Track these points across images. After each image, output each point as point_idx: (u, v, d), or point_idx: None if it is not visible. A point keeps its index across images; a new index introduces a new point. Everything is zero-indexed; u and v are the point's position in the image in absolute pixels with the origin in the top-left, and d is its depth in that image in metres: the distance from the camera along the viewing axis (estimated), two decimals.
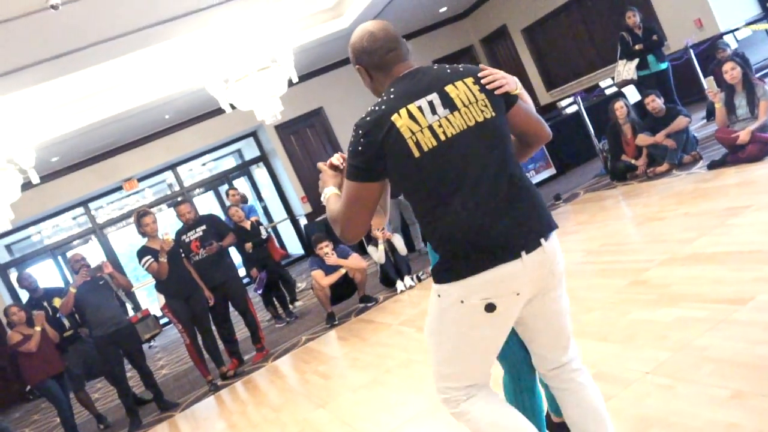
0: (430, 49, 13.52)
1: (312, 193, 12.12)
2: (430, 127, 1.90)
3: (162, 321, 8.68)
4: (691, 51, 8.60)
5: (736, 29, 8.64)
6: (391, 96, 1.95)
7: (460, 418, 2.05)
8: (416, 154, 1.89)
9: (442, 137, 1.90)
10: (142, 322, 6.22)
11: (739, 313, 2.93)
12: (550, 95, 12.90)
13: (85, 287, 5.63)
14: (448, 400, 2.06)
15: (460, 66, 2.04)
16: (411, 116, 1.90)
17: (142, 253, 5.74)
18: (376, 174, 1.94)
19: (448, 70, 2.01)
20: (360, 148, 1.93)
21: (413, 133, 1.89)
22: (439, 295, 1.97)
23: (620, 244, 4.74)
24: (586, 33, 11.64)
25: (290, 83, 6.42)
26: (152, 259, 5.66)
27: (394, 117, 1.90)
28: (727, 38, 8.33)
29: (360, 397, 4.05)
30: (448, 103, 1.93)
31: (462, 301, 1.91)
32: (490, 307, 1.91)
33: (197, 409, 5.58)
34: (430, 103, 1.92)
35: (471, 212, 1.88)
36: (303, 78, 10.23)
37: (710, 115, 8.01)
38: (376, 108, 1.94)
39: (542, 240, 1.97)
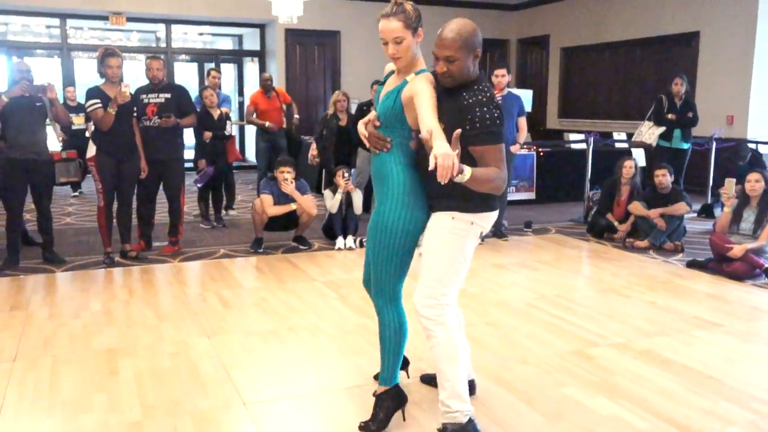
0: None
1: None
2: None
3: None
4: (714, 144, 8.34)
5: (764, 142, 8.40)
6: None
7: (441, 325, 2.49)
8: None
9: None
10: (63, 163, 5.59)
11: None
12: (560, 123, 12.54)
13: (18, 102, 5.00)
14: (439, 306, 2.50)
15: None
16: None
17: (93, 94, 5.14)
18: None
19: None
20: (503, 120, 2.42)
21: None
22: (453, 218, 2.48)
23: (576, 304, 4.41)
24: (621, 80, 11.27)
25: None
26: (100, 105, 5.06)
27: None
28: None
29: (251, 344, 3.63)
30: None
31: (472, 223, 2.50)
32: (481, 235, 2.60)
33: (81, 276, 5.08)
34: None
35: None
36: None
37: (704, 212, 7.79)
38: (495, 95, 2.49)
39: None
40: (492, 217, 2.56)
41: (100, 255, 5.52)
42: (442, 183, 2.08)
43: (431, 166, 2.06)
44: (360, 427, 2.67)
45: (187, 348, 3.58)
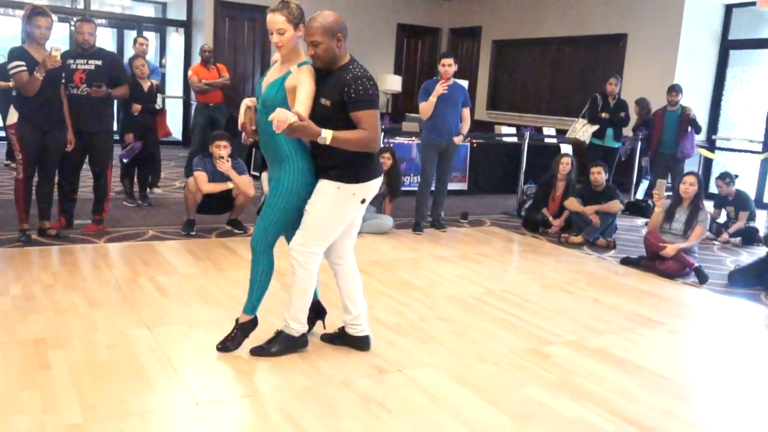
0: (397, 11, 12.86)
1: None
2: None
3: None
4: (639, 143, 8.62)
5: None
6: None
7: (305, 269, 3.07)
8: None
9: None
10: None
11: None
12: (488, 114, 12.67)
13: None
14: (309, 254, 3.06)
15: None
16: None
17: (16, 54, 4.66)
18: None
19: None
20: (376, 91, 2.99)
21: None
22: (338, 188, 3.00)
23: (524, 300, 4.41)
24: (551, 77, 11.48)
25: None
26: (25, 68, 4.59)
27: None
28: None
29: (196, 336, 3.40)
30: None
31: (354, 194, 3.03)
32: (363, 201, 3.10)
33: None
34: None
35: None
36: None
37: (628, 209, 8.05)
38: (368, 71, 3.03)
39: None
40: (374, 185, 3.08)
41: (14, 232, 5.06)
42: (278, 132, 2.69)
43: (274, 125, 2.67)
44: (218, 348, 3.20)
45: (126, 340, 3.31)
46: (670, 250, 5.29)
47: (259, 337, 3.29)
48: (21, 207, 4.95)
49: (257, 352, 3.18)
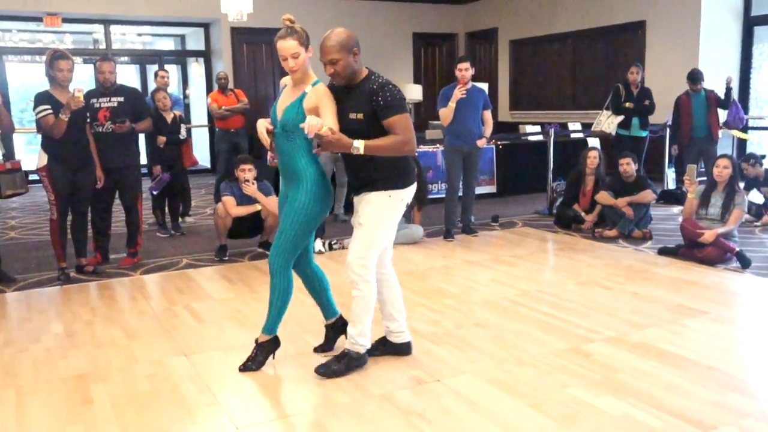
0: (412, 21, 12.89)
1: None
2: None
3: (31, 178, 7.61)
4: (668, 130, 8.46)
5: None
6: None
7: (368, 282, 3.10)
8: None
9: None
10: (8, 175, 5.17)
11: None
12: (511, 115, 12.60)
13: None
14: (368, 267, 3.08)
15: None
16: None
17: (42, 99, 4.77)
18: None
19: None
20: (403, 95, 3.03)
21: None
22: (390, 196, 3.07)
23: (560, 299, 4.34)
24: (571, 71, 11.37)
25: None
26: (51, 111, 4.70)
27: None
28: None
29: (233, 361, 3.40)
30: None
31: (402, 199, 3.13)
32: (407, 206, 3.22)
33: (34, 295, 4.74)
34: None
35: None
36: None
37: (662, 198, 7.89)
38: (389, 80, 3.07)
39: None
40: (414, 187, 3.18)
41: (54, 271, 5.17)
42: (310, 135, 2.84)
43: (306, 130, 2.83)
44: (240, 369, 3.24)
45: (165, 369, 3.34)
46: (708, 236, 5.16)
47: (298, 356, 3.29)
48: (57, 246, 5.05)
49: (322, 370, 3.15)
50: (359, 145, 2.89)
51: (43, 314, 4.30)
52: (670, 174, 8.62)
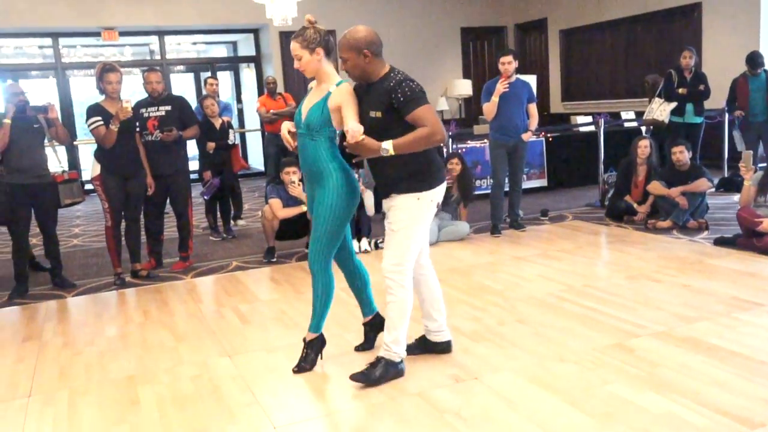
0: (459, 15, 12.77)
1: None
2: None
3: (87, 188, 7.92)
4: (727, 115, 8.14)
5: None
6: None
7: (403, 287, 3.05)
8: None
9: None
10: (66, 185, 5.40)
11: None
12: (563, 106, 12.35)
13: (17, 125, 4.84)
14: (402, 271, 3.03)
15: None
16: None
17: (93, 111, 4.97)
18: None
19: None
20: (422, 88, 2.99)
21: None
22: (418, 199, 3.02)
23: (607, 293, 4.24)
24: (624, 58, 11.06)
25: None
26: (102, 122, 4.90)
27: None
28: None
29: (275, 361, 3.46)
30: None
31: (431, 200, 3.07)
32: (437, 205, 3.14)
33: (92, 300, 4.94)
34: None
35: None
36: None
37: (722, 186, 7.60)
38: (409, 75, 3.02)
39: None
40: (444, 186, 3.13)
41: (110, 276, 5.37)
42: (351, 142, 2.85)
43: (348, 136, 2.87)
44: (294, 371, 3.27)
45: (209, 370, 3.43)
46: (767, 224, 4.94)
47: (339, 356, 3.32)
48: (113, 252, 5.25)
49: (358, 378, 3.08)
50: (388, 146, 2.87)
51: (99, 318, 4.47)
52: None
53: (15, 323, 4.48)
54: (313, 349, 3.33)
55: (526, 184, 8.33)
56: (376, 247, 5.95)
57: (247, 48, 12.71)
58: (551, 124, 11.39)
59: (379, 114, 2.96)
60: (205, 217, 7.05)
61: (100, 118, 4.93)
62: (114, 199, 5.09)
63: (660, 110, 7.42)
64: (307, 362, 3.31)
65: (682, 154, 6.09)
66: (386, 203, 3.13)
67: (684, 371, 3.02)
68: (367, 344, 3.53)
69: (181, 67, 13.01)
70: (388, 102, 2.93)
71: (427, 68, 12.30)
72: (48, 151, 5.23)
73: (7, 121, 4.79)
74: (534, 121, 6.18)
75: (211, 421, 2.84)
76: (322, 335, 3.36)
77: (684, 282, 4.38)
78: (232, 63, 13.43)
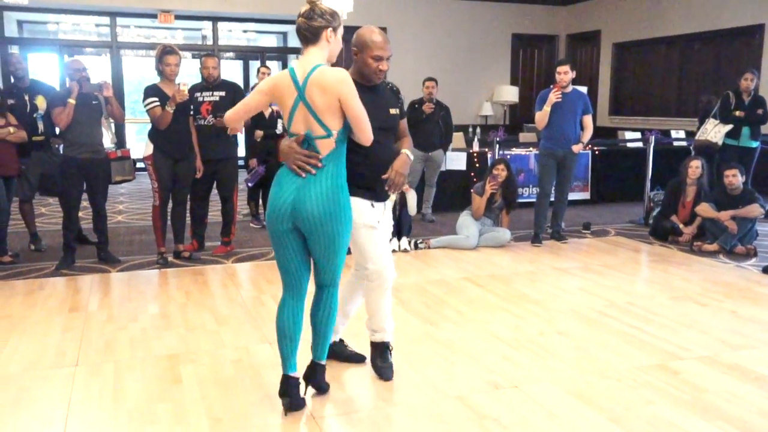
0: (511, 21, 12.68)
1: None
2: None
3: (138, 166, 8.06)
4: None
5: None
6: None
7: (358, 284, 3.25)
8: None
9: None
10: (119, 162, 5.52)
11: None
12: (610, 120, 12.19)
13: (78, 101, 4.96)
14: (370, 274, 3.09)
15: None
16: None
17: (151, 92, 5.06)
18: None
19: None
20: None
21: None
22: (373, 206, 3.01)
23: (651, 312, 4.17)
24: (678, 76, 10.87)
25: None
26: (158, 103, 4.99)
27: None
28: None
29: None
30: None
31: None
32: None
33: (135, 276, 5.03)
34: None
35: None
36: None
37: None
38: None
39: None
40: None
41: (153, 254, 5.47)
42: (391, 194, 3.01)
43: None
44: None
45: (249, 355, 3.47)
46: None
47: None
48: (158, 232, 5.34)
49: (388, 375, 3.17)
50: (409, 153, 2.98)
51: (142, 295, 4.55)
52: None
53: (62, 293, 4.58)
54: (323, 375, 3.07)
55: (570, 196, 8.26)
56: (416, 246, 5.95)
57: (296, 39, 12.76)
58: (597, 137, 11.26)
59: (396, 112, 3.05)
60: (247, 204, 7.13)
61: (156, 99, 5.02)
62: (164, 180, 5.17)
63: (714, 131, 7.27)
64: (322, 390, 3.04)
65: (735, 178, 5.97)
66: (379, 206, 3.04)
67: (731, 398, 2.96)
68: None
69: (231, 54, 13.14)
70: (397, 102, 3.07)
71: (473, 71, 12.26)
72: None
73: (72, 101, 4.91)
74: (587, 133, 6.11)
75: (252, 407, 2.88)
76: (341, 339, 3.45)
77: (731, 308, 4.29)
78: (282, 53, 13.53)
